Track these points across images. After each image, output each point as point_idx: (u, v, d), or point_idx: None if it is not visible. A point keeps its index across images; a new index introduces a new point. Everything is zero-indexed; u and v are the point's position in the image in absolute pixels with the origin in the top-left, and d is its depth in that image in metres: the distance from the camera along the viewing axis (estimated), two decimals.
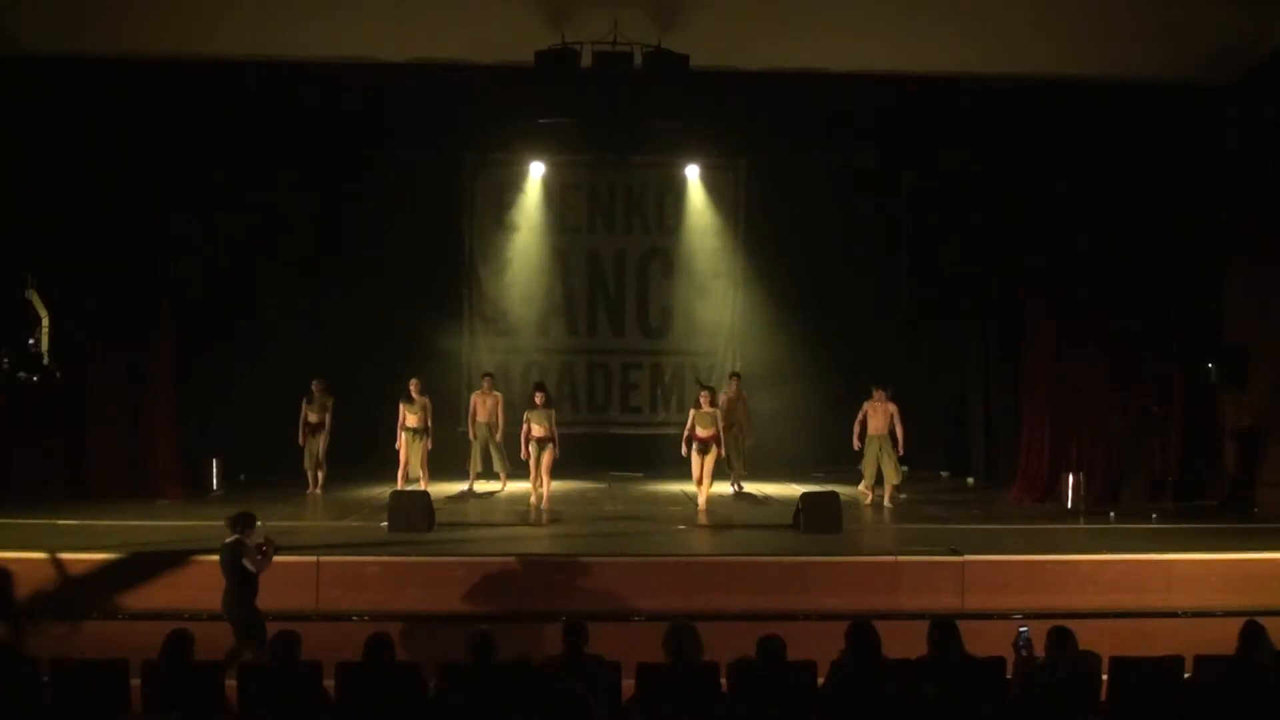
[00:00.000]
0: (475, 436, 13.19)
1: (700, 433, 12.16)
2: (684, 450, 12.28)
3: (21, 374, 9.54)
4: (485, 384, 13.38)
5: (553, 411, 12.37)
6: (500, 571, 9.06)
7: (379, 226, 15.52)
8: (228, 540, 7.65)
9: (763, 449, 14.71)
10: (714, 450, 12.15)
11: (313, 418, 13.05)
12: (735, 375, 14.05)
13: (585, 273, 16.37)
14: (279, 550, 7.86)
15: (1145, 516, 11.61)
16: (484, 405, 13.14)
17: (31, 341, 9.49)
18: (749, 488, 13.55)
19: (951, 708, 4.62)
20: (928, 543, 9.82)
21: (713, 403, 12.30)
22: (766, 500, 13.04)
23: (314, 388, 13.11)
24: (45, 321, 9.63)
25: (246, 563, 7.54)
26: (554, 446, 12.09)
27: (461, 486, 13.33)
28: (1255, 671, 6.08)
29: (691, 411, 12.45)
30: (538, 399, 12.31)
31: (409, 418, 12.72)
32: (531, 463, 12.15)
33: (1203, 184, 12.86)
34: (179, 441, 12.66)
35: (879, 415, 12.29)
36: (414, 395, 12.77)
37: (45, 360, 9.64)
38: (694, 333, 16.49)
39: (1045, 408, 12.91)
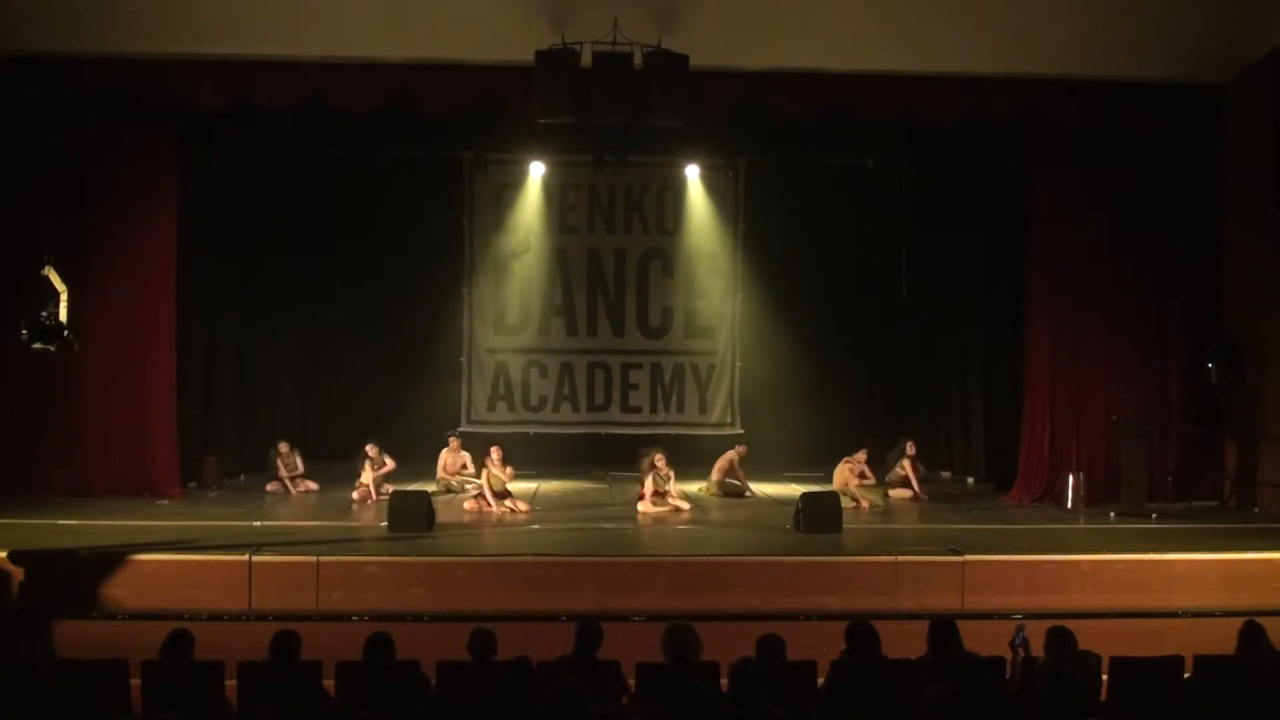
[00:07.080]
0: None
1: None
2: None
3: (37, 345, 9.46)
4: (453, 444, 13.35)
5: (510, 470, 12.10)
6: (500, 571, 9.07)
7: (379, 226, 15.54)
8: None
9: (763, 448, 14.71)
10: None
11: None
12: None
13: (585, 273, 16.36)
14: None
15: (1145, 516, 11.60)
16: (453, 462, 13.19)
17: (44, 314, 9.40)
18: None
19: (951, 708, 4.61)
20: (928, 543, 9.82)
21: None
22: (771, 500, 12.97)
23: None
24: (64, 296, 9.56)
25: None
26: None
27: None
28: (1255, 671, 6.09)
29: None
30: (495, 455, 11.98)
31: (365, 475, 12.63)
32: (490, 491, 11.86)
33: (1202, 184, 12.86)
34: (179, 441, 12.65)
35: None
36: (372, 456, 12.68)
37: (65, 333, 9.53)
38: (694, 333, 16.51)
39: (1045, 407, 12.90)
